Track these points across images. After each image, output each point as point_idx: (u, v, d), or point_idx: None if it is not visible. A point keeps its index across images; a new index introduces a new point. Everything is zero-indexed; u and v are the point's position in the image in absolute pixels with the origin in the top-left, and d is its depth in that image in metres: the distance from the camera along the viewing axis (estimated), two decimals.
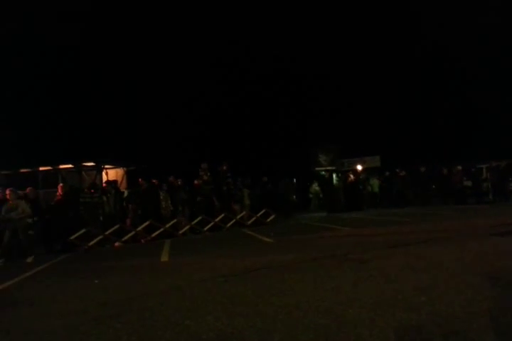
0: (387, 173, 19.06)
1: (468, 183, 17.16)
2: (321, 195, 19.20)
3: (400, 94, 27.66)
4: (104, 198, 12.07)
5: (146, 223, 11.63)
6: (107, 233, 11.02)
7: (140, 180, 12.91)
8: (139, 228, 11.56)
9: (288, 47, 27.20)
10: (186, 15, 27.92)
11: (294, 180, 19.50)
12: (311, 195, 19.89)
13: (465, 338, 2.57)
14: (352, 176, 18.06)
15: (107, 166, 16.09)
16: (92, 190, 11.61)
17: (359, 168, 20.83)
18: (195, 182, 13.57)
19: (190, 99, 25.83)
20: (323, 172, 20.12)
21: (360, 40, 27.84)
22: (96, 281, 5.75)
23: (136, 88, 25.00)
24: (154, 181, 13.15)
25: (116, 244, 11.08)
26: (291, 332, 2.94)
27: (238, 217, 13.67)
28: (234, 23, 26.99)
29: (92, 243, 10.64)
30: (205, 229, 12.61)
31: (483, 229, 7.76)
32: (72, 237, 10.43)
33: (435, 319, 2.96)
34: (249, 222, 13.76)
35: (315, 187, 19.46)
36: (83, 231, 10.63)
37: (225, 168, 14.26)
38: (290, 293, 4.09)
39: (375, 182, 19.22)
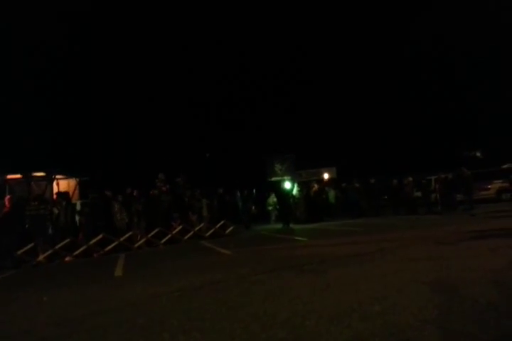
0: (344, 184, 19.59)
1: (419, 194, 17.95)
2: (277, 207, 19.18)
3: (354, 106, 28.58)
4: (55, 210, 11.57)
5: (99, 236, 11.23)
6: (57, 247, 10.53)
7: (90, 191, 12.49)
8: (92, 242, 11.13)
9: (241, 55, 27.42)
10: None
11: (254, 190, 19.47)
12: (270, 207, 19.87)
13: None
14: (316, 186, 18.26)
15: (58, 176, 15.45)
16: (37, 202, 11.07)
17: (325, 177, 21.22)
18: (151, 192, 13.28)
19: (146, 107, 25.45)
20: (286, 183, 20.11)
21: (324, 43, 28.36)
22: (45, 298, 5.45)
23: (89, 93, 24.33)
24: (107, 193, 12.75)
25: (67, 258, 10.60)
26: None
27: (196, 228, 13.49)
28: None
29: (40, 258, 10.13)
30: (162, 241, 12.34)
31: (432, 238, 8.08)
32: (20, 252, 9.88)
33: (389, 328, 3.02)
34: (208, 234, 13.62)
35: (273, 198, 19.52)
36: (31, 245, 10.10)
37: (182, 179, 14.09)
38: (247, 306, 4.05)
39: (331, 193, 19.66)
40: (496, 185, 19.42)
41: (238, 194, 17.23)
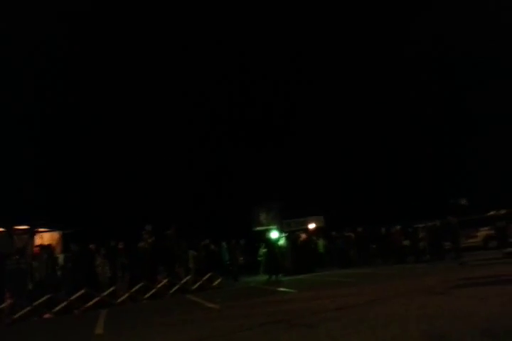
0: (334, 233, 19.48)
1: (407, 243, 17.91)
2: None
3: (337, 157, 29.10)
4: (36, 264, 11.20)
5: (81, 292, 10.79)
6: (35, 304, 10.06)
7: (73, 245, 12.20)
8: (73, 297, 10.68)
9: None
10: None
11: (241, 240, 19.10)
12: (259, 258, 19.26)
13: None
14: (304, 236, 17.98)
15: (41, 229, 15.12)
16: (18, 256, 10.74)
17: (311, 226, 20.99)
18: (140, 245, 13.00)
19: (128, 158, 25.47)
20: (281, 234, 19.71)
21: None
22: None
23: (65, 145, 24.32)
24: (91, 246, 12.45)
25: (46, 315, 10.09)
26: None
27: (183, 281, 13.08)
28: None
29: (18, 315, 9.63)
30: (146, 296, 11.88)
31: (422, 288, 7.97)
32: None
33: None
34: (195, 287, 13.19)
35: (263, 249, 19.01)
36: (8, 302, 9.64)
37: (172, 231, 13.88)
38: None
39: (320, 242, 19.47)
40: (483, 232, 19.53)
41: (224, 245, 16.94)
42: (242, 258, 18.32)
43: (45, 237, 15.36)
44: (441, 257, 16.19)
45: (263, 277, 16.24)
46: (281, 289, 11.04)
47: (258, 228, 20.22)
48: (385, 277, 11.50)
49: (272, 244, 16.78)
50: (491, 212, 19.09)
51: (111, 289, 11.54)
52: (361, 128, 29.20)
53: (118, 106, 25.34)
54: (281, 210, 21.14)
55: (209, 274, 13.88)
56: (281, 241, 17.43)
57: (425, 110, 28.01)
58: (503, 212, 13.96)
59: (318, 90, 28.87)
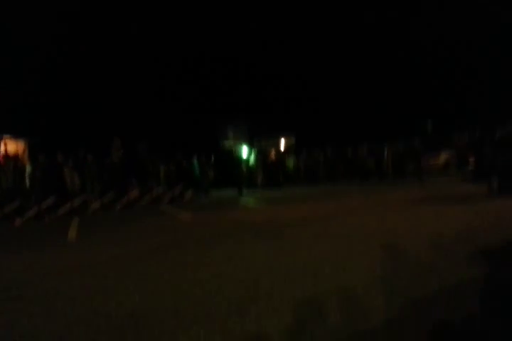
0: (304, 152, 19.89)
1: (371, 163, 18.63)
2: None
3: (313, 72, 28.43)
4: (2, 174, 11.01)
5: (51, 199, 10.86)
6: (5, 211, 10.11)
7: (41, 155, 11.93)
8: (43, 205, 10.76)
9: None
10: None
11: (212, 156, 19.19)
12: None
13: (361, 303, 2.81)
14: (274, 153, 18.34)
15: (5, 136, 14.60)
16: None
17: (282, 145, 21.25)
18: (110, 159, 12.86)
19: (105, 65, 24.06)
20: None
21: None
22: None
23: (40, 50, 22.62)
24: (58, 156, 12.21)
25: (17, 221, 10.21)
26: (204, 305, 2.98)
27: (154, 193, 13.33)
28: None
29: None
30: (118, 206, 12.13)
31: (382, 204, 8.47)
32: None
33: (338, 286, 3.19)
34: (166, 199, 13.51)
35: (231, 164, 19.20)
36: None
37: (143, 145, 13.72)
38: (204, 267, 4.12)
39: (290, 161, 19.92)
40: (445, 156, 20.43)
41: (195, 159, 17.03)
42: (212, 173, 18.61)
43: (9, 145, 14.91)
44: (404, 177, 17.02)
45: (232, 192, 16.72)
46: (250, 202, 11.48)
47: (226, 143, 20.17)
48: (348, 194, 12.08)
49: (236, 161, 16.93)
50: (455, 136, 19.73)
51: (82, 198, 11.64)
52: (335, 45, 28.20)
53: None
54: (249, 126, 20.97)
55: (180, 187, 14.15)
56: (251, 158, 17.73)
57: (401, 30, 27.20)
58: (466, 136, 14.44)
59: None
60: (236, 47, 26.99)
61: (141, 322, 2.70)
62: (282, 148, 20.51)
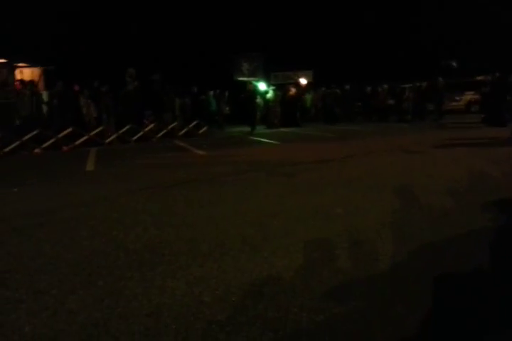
0: (324, 89, 19.25)
1: (392, 102, 18.04)
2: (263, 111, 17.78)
3: (334, 10, 26.67)
4: (19, 100, 11.01)
5: (68, 130, 10.97)
6: (24, 139, 10.28)
7: (58, 81, 11.78)
8: (61, 135, 10.90)
9: None
10: None
11: (226, 91, 18.69)
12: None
13: (372, 247, 2.86)
14: (293, 90, 17.61)
15: (20, 64, 14.37)
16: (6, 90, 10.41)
17: (303, 81, 20.43)
18: (125, 89, 12.67)
19: None
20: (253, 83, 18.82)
21: None
22: (15, 190, 5.47)
23: None
24: (75, 87, 12.09)
25: (36, 150, 10.44)
26: (218, 241, 3.08)
27: (170, 127, 13.33)
28: None
29: (7, 149, 9.93)
30: (134, 138, 12.23)
31: (400, 146, 8.34)
32: None
33: (349, 229, 3.24)
34: (181, 133, 13.54)
35: (257, 101, 18.29)
36: None
37: (158, 76, 13.38)
38: (218, 205, 4.21)
39: (308, 98, 19.41)
40: (467, 96, 19.63)
41: (211, 93, 16.69)
42: (227, 108, 18.35)
43: (25, 73, 14.73)
44: (423, 118, 16.57)
45: (247, 128, 16.49)
46: (265, 140, 11.43)
47: (240, 78, 19.28)
48: (366, 134, 11.91)
49: (253, 96, 16.22)
50: (480, 77, 18.73)
51: (99, 129, 11.72)
52: None
53: None
54: (264, 61, 19.88)
55: (195, 121, 14.09)
56: (269, 94, 17.15)
57: None
58: (490, 77, 13.72)
59: None
60: None
61: (157, 255, 2.82)
62: (302, 84, 19.78)
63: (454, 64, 23.32)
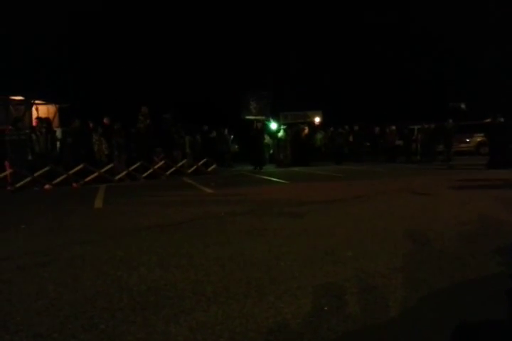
0: (332, 129, 19.51)
1: (400, 143, 18.16)
2: (271, 150, 18.03)
3: (343, 51, 27.59)
4: (34, 136, 11.27)
5: (79, 166, 11.12)
6: (36, 175, 10.42)
7: (74, 119, 12.13)
8: (72, 171, 11.05)
9: None
10: None
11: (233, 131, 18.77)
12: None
13: (382, 293, 2.77)
14: (307, 129, 17.79)
15: (37, 101, 14.91)
16: (16, 126, 10.70)
17: (317, 120, 20.67)
18: (137, 126, 12.98)
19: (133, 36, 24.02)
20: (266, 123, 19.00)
21: None
22: (23, 226, 5.47)
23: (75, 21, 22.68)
24: (90, 123, 12.44)
25: (47, 186, 10.55)
26: (224, 284, 3.01)
27: (179, 164, 13.47)
28: None
29: (19, 184, 10.05)
30: (143, 175, 12.34)
31: (408, 187, 8.29)
32: None
33: (358, 274, 3.16)
34: (190, 171, 13.65)
35: (267, 140, 17.98)
36: (9, 171, 9.97)
37: (170, 114, 13.75)
38: (225, 245, 4.16)
39: (318, 136, 19.62)
40: (476, 138, 19.74)
41: (220, 132, 16.94)
42: (236, 147, 18.57)
43: (40, 110, 15.24)
44: (432, 159, 16.59)
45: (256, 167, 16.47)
46: (274, 179, 11.46)
47: (247, 117, 19.35)
48: (374, 175, 11.90)
49: (257, 135, 16.18)
50: (488, 119, 18.90)
51: (109, 166, 11.87)
52: (365, 26, 27.13)
53: None
54: (273, 100, 20.02)
55: (204, 159, 14.24)
56: (280, 133, 17.26)
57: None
58: (500, 119, 13.85)
59: None
60: (257, 21, 26.23)
61: (161, 298, 2.75)
62: (316, 123, 19.94)
63: (463, 106, 23.62)
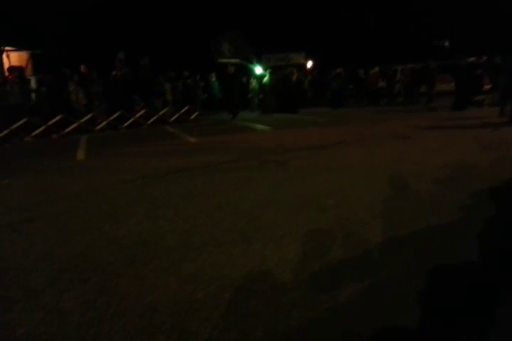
0: (316, 72, 19.03)
1: (383, 84, 17.91)
2: (261, 95, 16.93)
3: None
4: (7, 87, 10.80)
5: (58, 117, 10.82)
6: (13, 127, 10.14)
7: (47, 67, 11.57)
8: (50, 122, 10.76)
9: None
10: None
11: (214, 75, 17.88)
12: (250, 94, 17.59)
13: (362, 239, 2.90)
14: (297, 74, 16.70)
15: (7, 48, 14.05)
16: None
17: (309, 64, 19.87)
18: (113, 73, 12.47)
19: None
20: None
21: None
22: (6, 182, 5.43)
23: None
24: (64, 70, 11.88)
25: (26, 138, 10.31)
26: (211, 234, 3.10)
27: (160, 113, 13.19)
28: None
29: None
30: (124, 125, 12.10)
31: (389, 132, 8.33)
32: None
33: (340, 221, 3.28)
34: (172, 119, 13.41)
35: (254, 84, 17.30)
36: None
37: (146, 61, 13.13)
38: (211, 195, 4.22)
39: (305, 82, 19.11)
40: None
41: (213, 76, 16.23)
42: (220, 94, 18.01)
43: (12, 58, 14.42)
44: (415, 100, 16.51)
45: (250, 114, 16.01)
46: (259, 126, 11.36)
47: (221, 60, 18.09)
48: (357, 118, 11.88)
49: (231, 80, 14.93)
50: (471, 58, 18.60)
51: (89, 116, 11.57)
52: None
53: None
54: (249, 41, 18.62)
55: (187, 107, 13.95)
56: (266, 78, 16.52)
57: None
58: (483, 59, 13.61)
59: None
60: None
61: (150, 251, 2.83)
62: (308, 68, 19.25)
63: (446, 44, 23.10)
